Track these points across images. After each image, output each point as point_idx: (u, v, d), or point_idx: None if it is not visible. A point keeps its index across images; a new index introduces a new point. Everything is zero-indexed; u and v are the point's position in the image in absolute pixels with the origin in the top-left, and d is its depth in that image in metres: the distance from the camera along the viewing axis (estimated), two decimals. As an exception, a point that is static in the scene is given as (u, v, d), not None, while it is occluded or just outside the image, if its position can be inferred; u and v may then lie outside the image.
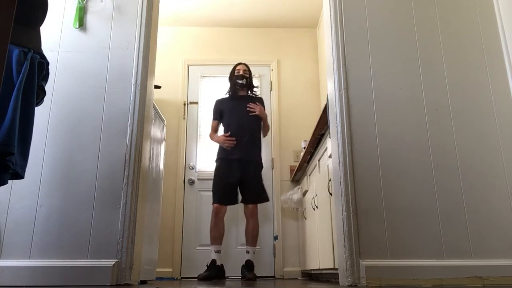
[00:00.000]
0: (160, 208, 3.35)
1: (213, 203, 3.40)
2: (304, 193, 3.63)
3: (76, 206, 2.00)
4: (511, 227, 1.92)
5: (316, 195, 2.94)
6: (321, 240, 2.77)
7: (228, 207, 3.47)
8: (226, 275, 3.46)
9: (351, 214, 1.91)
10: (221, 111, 3.65)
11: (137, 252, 2.02)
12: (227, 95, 3.74)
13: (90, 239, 1.95)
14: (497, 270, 1.83)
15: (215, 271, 3.27)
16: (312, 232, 3.17)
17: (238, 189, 3.47)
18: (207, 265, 3.31)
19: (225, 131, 3.57)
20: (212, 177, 3.52)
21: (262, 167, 3.55)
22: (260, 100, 3.73)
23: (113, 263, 1.90)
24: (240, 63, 3.75)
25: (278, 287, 2.03)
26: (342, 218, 1.92)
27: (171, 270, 3.89)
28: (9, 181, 1.51)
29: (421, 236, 1.89)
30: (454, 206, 1.94)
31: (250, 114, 3.53)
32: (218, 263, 3.31)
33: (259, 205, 3.49)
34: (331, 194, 2.36)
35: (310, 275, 3.71)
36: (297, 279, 3.76)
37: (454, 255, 1.87)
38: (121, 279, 1.90)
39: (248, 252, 3.40)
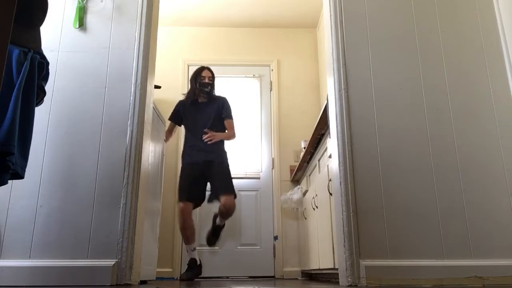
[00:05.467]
0: (160, 208, 3.35)
1: (179, 201, 3.29)
2: (304, 193, 3.62)
3: (76, 206, 2.00)
4: (511, 227, 1.92)
5: (316, 195, 2.94)
6: (321, 240, 2.77)
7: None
8: (226, 276, 3.45)
9: (351, 214, 1.91)
10: (182, 115, 3.55)
11: (137, 252, 2.02)
12: (188, 100, 3.57)
13: (90, 239, 1.95)
14: (497, 270, 1.83)
15: (197, 270, 3.28)
16: (312, 232, 3.17)
17: (204, 187, 3.37)
18: (188, 264, 3.28)
19: (186, 136, 3.53)
20: None
21: (227, 165, 3.41)
22: (223, 101, 3.56)
23: (113, 263, 1.90)
24: (204, 68, 3.58)
25: (278, 287, 2.03)
26: (342, 218, 1.92)
27: (171, 270, 3.89)
28: (9, 181, 1.51)
29: (421, 236, 1.89)
30: (454, 206, 1.94)
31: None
32: (198, 261, 3.30)
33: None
34: (331, 194, 2.36)
35: (310, 275, 3.71)
36: (297, 279, 3.75)
37: (454, 255, 1.87)
38: (121, 279, 1.90)
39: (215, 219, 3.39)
